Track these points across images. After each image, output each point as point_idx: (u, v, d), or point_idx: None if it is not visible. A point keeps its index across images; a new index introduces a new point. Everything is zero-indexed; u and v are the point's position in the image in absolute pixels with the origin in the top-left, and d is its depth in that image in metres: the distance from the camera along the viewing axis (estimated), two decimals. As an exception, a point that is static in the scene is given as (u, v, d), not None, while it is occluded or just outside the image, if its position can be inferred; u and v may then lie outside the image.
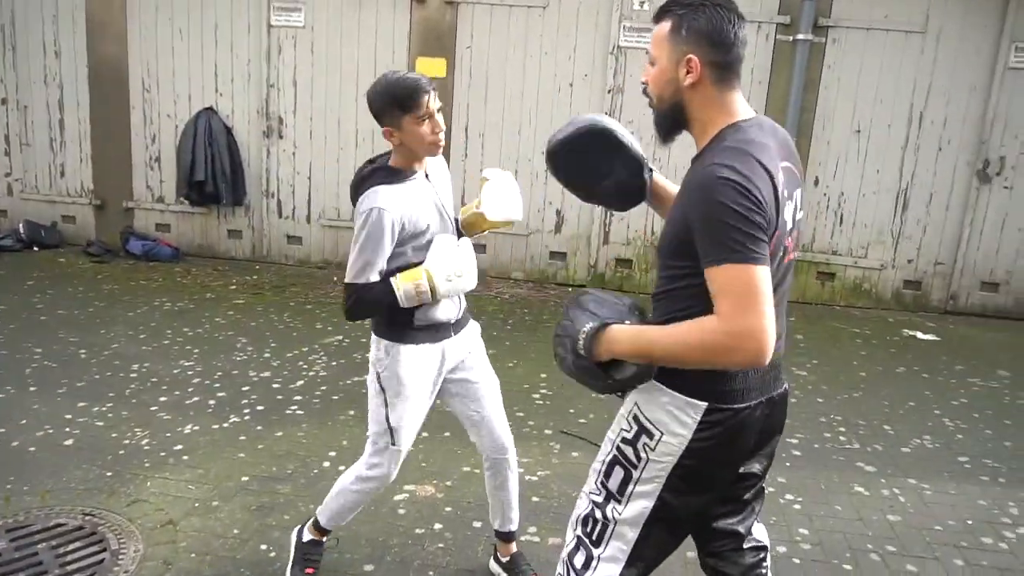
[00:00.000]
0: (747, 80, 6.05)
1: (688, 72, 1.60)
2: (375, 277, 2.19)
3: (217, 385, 4.18)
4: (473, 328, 2.49)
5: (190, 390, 4.11)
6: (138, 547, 2.75)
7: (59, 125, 7.11)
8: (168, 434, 3.60)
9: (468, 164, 6.52)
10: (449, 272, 2.21)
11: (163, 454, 3.42)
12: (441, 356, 2.35)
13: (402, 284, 2.19)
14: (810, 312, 6.13)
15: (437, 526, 2.93)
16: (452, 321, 2.35)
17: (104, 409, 3.82)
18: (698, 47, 1.59)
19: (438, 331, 2.32)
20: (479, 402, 2.45)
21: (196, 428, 3.67)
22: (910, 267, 6.33)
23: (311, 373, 4.42)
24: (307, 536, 2.58)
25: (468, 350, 2.44)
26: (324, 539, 2.60)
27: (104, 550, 2.74)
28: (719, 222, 1.46)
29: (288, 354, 4.70)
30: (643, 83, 1.72)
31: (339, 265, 6.83)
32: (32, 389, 4.01)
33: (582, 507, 1.80)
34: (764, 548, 1.89)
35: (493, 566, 2.68)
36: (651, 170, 1.99)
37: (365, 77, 6.53)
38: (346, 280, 2.22)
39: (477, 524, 2.95)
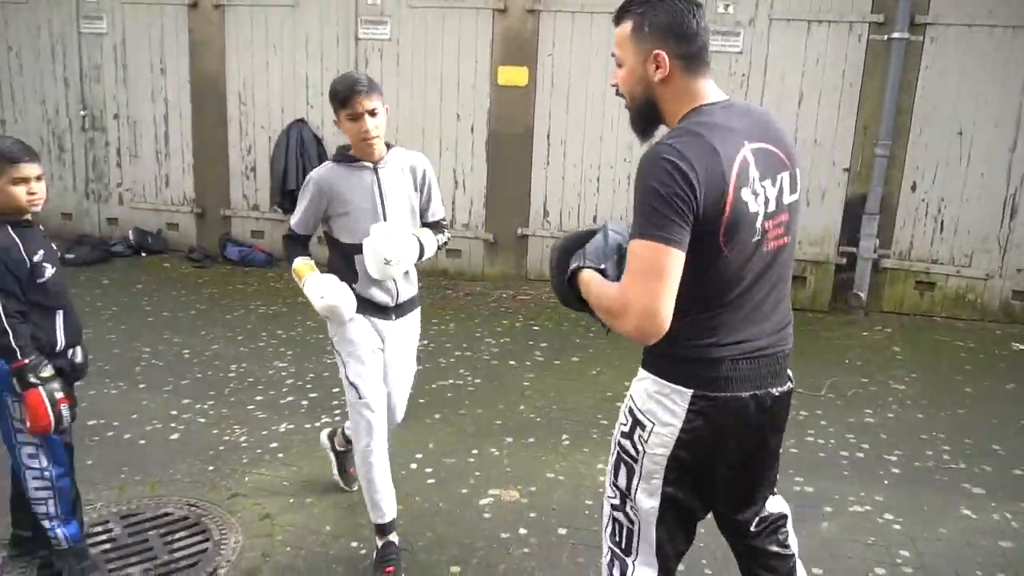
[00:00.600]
0: (837, 83, 5.86)
1: (657, 68, 1.63)
2: (300, 230, 2.71)
3: (309, 386, 4.34)
4: (417, 314, 2.87)
5: (284, 390, 4.28)
6: (238, 539, 2.89)
7: (164, 138, 7.54)
8: (264, 432, 3.76)
9: (550, 172, 6.56)
10: (320, 294, 2.55)
11: (259, 451, 3.58)
12: (378, 331, 2.70)
13: (299, 263, 2.66)
14: (908, 323, 5.87)
15: (522, 531, 2.96)
16: (390, 305, 2.71)
17: (205, 407, 4.03)
18: (663, 42, 1.62)
19: (377, 310, 2.68)
20: (403, 378, 2.86)
21: (290, 427, 3.82)
22: (1020, 276, 5.97)
23: (397, 376, 4.53)
24: (378, 542, 2.73)
25: (409, 332, 2.82)
26: (391, 538, 2.73)
27: (207, 540, 2.89)
28: (643, 201, 1.54)
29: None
30: (613, 85, 1.77)
31: (422, 271, 6.97)
32: (141, 386, 4.27)
33: (605, 513, 1.84)
34: (783, 516, 1.93)
35: (325, 440, 3.22)
36: None
37: (448, 87, 6.66)
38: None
39: (562, 531, 2.96)
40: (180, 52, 7.30)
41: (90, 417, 3.87)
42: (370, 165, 2.64)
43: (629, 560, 1.76)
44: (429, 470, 3.42)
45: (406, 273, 2.71)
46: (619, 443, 1.76)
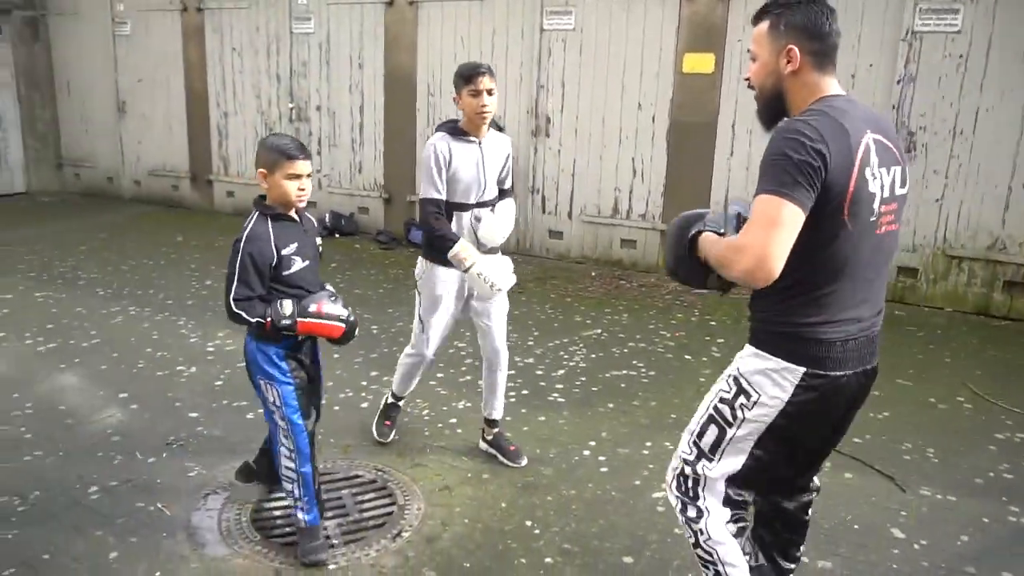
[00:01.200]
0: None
1: (788, 62, 1.79)
2: (439, 194, 3.11)
3: (486, 367, 4.49)
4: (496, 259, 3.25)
5: (463, 369, 4.46)
6: (420, 506, 3.06)
7: (359, 128, 8.10)
8: (445, 407, 3.95)
9: (734, 162, 6.31)
10: (491, 282, 3.08)
11: (440, 425, 3.76)
12: (461, 281, 3.21)
13: (461, 245, 3.07)
14: None
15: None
16: None
17: (392, 380, 4.28)
18: (797, 39, 1.78)
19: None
20: (490, 317, 3.33)
21: (468, 405, 3.98)
22: None
23: (571, 363, 4.58)
24: (389, 400, 3.57)
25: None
26: (399, 403, 3.57)
27: (393, 503, 3.08)
28: (770, 161, 1.67)
29: (550, 343, 4.92)
30: (746, 79, 1.93)
31: (597, 261, 6.99)
32: (335, 357, 4.61)
33: (672, 471, 1.99)
34: (817, 490, 2.13)
35: (482, 444, 3.48)
36: None
37: (631, 75, 6.59)
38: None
39: (740, 533, 2.85)
40: (376, 47, 7.79)
41: (293, 382, 4.26)
42: (476, 140, 3.16)
43: (699, 502, 1.94)
44: (602, 458, 3.43)
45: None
46: (715, 406, 1.88)
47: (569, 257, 7.18)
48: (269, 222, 2.56)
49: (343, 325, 2.59)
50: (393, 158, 7.95)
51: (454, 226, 3.16)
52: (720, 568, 1.94)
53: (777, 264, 1.64)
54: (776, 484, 2.07)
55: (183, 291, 6.04)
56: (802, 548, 2.20)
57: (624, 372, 4.45)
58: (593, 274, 6.65)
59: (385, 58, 7.76)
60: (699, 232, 1.91)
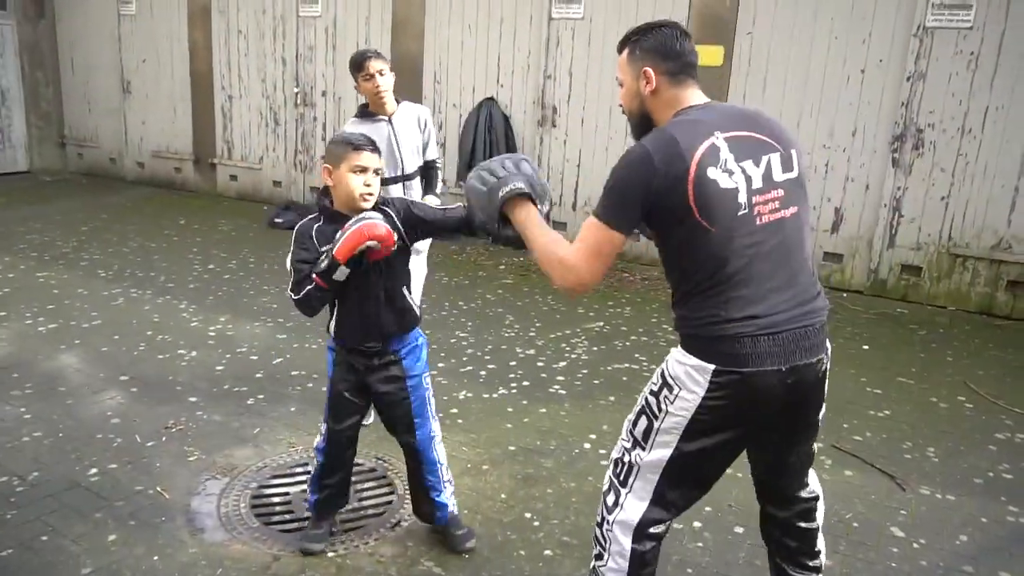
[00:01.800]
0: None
1: (647, 83, 1.91)
2: None
3: (487, 357, 4.49)
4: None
5: (464, 359, 4.46)
6: (420, 495, 3.05)
7: (364, 114, 8.05)
8: (445, 397, 3.94)
9: (739, 156, 6.27)
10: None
11: (440, 415, 3.72)
12: None
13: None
14: None
15: (696, 524, 2.88)
16: None
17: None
18: (651, 61, 1.91)
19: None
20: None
21: (469, 395, 3.97)
22: None
23: (573, 355, 4.57)
24: None
25: (416, 259, 3.48)
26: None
27: (392, 493, 3.08)
28: (606, 186, 1.83)
29: (552, 335, 4.91)
30: (620, 104, 2.05)
31: (599, 252, 6.96)
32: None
33: (616, 451, 2.03)
34: (817, 497, 2.10)
35: None
36: None
37: (639, 67, 6.54)
38: None
39: (739, 530, 2.85)
40: (383, 32, 7.74)
41: (292, 368, 4.26)
42: (385, 118, 3.44)
43: (623, 491, 1.96)
44: (603, 452, 3.42)
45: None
46: (646, 398, 1.94)
47: (572, 248, 7.14)
48: (320, 221, 2.44)
49: (374, 221, 2.29)
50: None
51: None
52: (606, 557, 1.99)
53: (592, 280, 1.85)
54: (766, 489, 2.10)
55: (185, 274, 6.03)
56: (820, 555, 2.15)
57: (626, 365, 4.45)
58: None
59: (392, 44, 7.71)
60: (515, 195, 1.97)
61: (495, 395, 3.98)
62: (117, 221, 7.81)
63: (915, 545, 2.82)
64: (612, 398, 3.98)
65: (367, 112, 3.48)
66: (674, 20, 2.01)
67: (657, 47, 1.91)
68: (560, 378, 4.24)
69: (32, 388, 3.88)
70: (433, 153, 3.71)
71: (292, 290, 2.43)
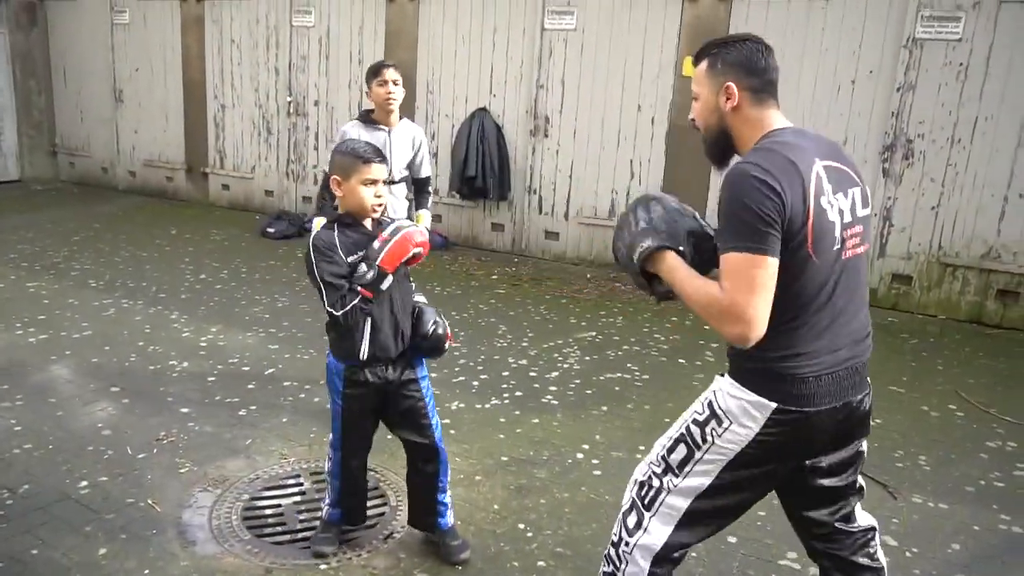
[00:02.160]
0: (1080, 74, 5.14)
1: (728, 99, 1.82)
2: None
3: (480, 368, 4.48)
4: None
5: (457, 369, 4.45)
6: (413, 507, 3.04)
7: (357, 123, 8.06)
8: (438, 408, 3.91)
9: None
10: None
11: (433, 425, 3.74)
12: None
13: (316, 221, 3.39)
14: None
15: (731, 540, 2.88)
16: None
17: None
18: (734, 76, 1.82)
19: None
20: None
21: (462, 406, 3.97)
22: None
23: (565, 365, 4.57)
24: None
25: None
26: None
27: (385, 504, 3.07)
28: (732, 214, 1.67)
29: (544, 345, 4.91)
30: (691, 119, 1.94)
31: (592, 263, 6.98)
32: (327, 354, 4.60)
33: (641, 473, 1.96)
34: (872, 529, 2.00)
35: None
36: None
37: (631, 77, 6.58)
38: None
39: (732, 539, 2.85)
40: (377, 43, 7.77)
41: (285, 378, 4.25)
42: (386, 129, 3.62)
43: (647, 515, 1.90)
44: (595, 462, 3.42)
45: (393, 207, 3.65)
46: (688, 427, 1.87)
47: (565, 258, 7.17)
48: (335, 229, 2.45)
49: (413, 228, 2.42)
50: (390, 154, 7.92)
51: None
52: None
53: (764, 325, 1.67)
54: (803, 524, 1.99)
55: (177, 285, 6.01)
56: None
57: (618, 375, 4.45)
58: (588, 276, 6.65)
59: (385, 54, 7.72)
60: (657, 248, 1.85)
61: (487, 405, 3.98)
62: (108, 230, 7.78)
63: (908, 554, 2.83)
64: (604, 408, 3.99)
65: (370, 119, 3.64)
66: (756, 34, 1.89)
67: (742, 61, 1.82)
68: (553, 388, 4.24)
69: (22, 399, 3.85)
70: (427, 171, 3.88)
71: (333, 306, 2.37)
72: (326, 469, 2.74)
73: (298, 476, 3.25)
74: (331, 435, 2.70)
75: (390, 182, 3.62)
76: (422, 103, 7.61)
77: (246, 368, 4.38)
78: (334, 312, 2.38)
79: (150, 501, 2.99)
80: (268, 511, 2.99)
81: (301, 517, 2.96)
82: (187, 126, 9.32)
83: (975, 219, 5.62)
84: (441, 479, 2.71)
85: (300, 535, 2.84)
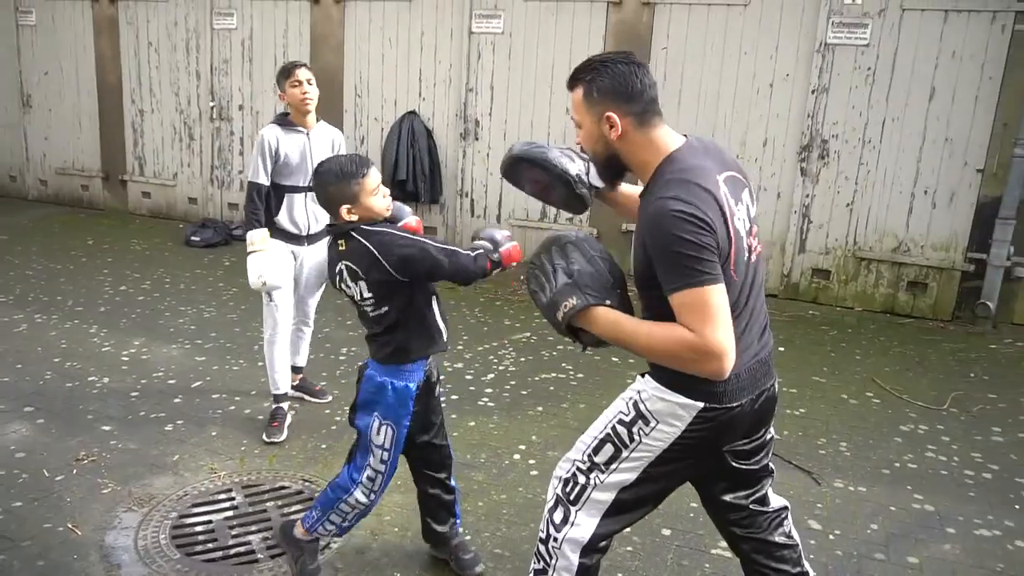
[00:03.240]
0: (975, 76, 5.48)
1: (611, 127, 1.78)
2: (262, 180, 3.52)
3: (415, 372, 4.45)
4: (323, 243, 3.62)
5: (392, 375, 4.41)
6: (349, 516, 3.00)
7: (283, 128, 7.89)
8: (373, 414, 3.89)
9: (657, 166, 6.45)
10: (259, 274, 3.42)
11: (369, 433, 3.70)
12: (293, 253, 3.65)
13: (258, 233, 3.48)
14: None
15: (626, 530, 2.93)
16: (303, 235, 3.64)
17: (318, 388, 4.20)
18: (613, 105, 1.77)
19: (291, 238, 3.62)
20: (312, 288, 3.82)
21: (397, 411, 3.93)
22: None
23: (501, 367, 4.59)
24: (272, 405, 3.73)
25: (317, 255, 3.68)
26: (282, 405, 3.73)
27: (321, 515, 3.02)
28: (673, 252, 1.65)
29: (479, 347, 4.92)
30: (578, 144, 1.92)
31: (525, 265, 7.02)
32: (260, 364, 4.49)
33: (564, 470, 1.97)
34: (784, 508, 2.08)
35: (290, 391, 3.84)
36: (592, 187, 2.03)
37: (559, 80, 6.66)
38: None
39: (666, 532, 2.92)
40: (302, 46, 7.63)
41: (213, 391, 4.13)
42: (304, 131, 3.56)
43: (573, 509, 1.93)
44: (532, 462, 3.45)
45: (315, 214, 3.62)
46: (614, 427, 1.89)
47: (498, 260, 7.18)
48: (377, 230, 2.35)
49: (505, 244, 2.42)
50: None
51: (285, 205, 3.57)
52: (551, 572, 1.96)
53: (732, 351, 1.67)
54: (721, 511, 2.05)
55: (95, 297, 5.76)
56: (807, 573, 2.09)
57: (553, 375, 4.50)
58: (522, 278, 6.68)
59: (311, 57, 7.60)
60: (584, 307, 1.83)
61: (424, 410, 3.95)
62: (18, 243, 7.39)
63: (831, 536, 2.95)
64: (540, 408, 4.02)
65: (287, 121, 3.57)
66: (626, 51, 1.86)
67: (617, 88, 1.76)
68: (488, 390, 4.25)
69: (-74, 423, 3.63)
70: None
71: (469, 265, 2.32)
72: (359, 500, 2.48)
73: (229, 490, 3.17)
74: (363, 472, 2.46)
75: (309, 189, 3.53)
76: (350, 106, 7.52)
77: (172, 382, 4.24)
78: (472, 268, 2.32)
79: (70, 525, 2.86)
80: (198, 528, 2.91)
81: (233, 532, 2.89)
82: (103, 132, 8.94)
83: (886, 215, 5.92)
84: (453, 480, 2.72)
85: (232, 551, 2.77)
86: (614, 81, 1.77)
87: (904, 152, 5.78)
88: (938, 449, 3.71)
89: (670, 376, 1.80)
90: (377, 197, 2.35)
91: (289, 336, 3.74)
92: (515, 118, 6.90)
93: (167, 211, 8.73)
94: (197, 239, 7.51)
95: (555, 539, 1.94)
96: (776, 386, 1.96)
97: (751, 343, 1.84)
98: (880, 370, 4.73)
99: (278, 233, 3.57)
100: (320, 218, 3.61)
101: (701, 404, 1.78)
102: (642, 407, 1.85)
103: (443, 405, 2.70)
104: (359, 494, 2.47)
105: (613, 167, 1.89)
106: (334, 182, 2.31)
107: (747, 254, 1.78)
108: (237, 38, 7.92)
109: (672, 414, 1.81)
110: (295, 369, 3.95)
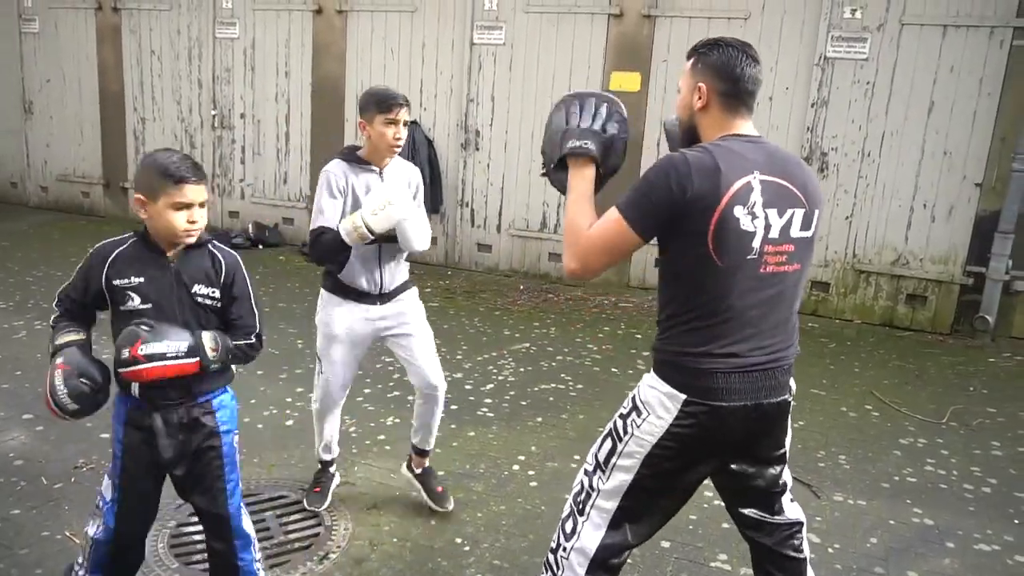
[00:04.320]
0: (973, 91, 5.52)
1: (699, 98, 1.90)
2: (329, 223, 2.78)
3: (415, 382, 4.45)
4: (409, 295, 3.05)
5: (391, 384, 4.41)
6: (348, 526, 3.00)
7: (285, 137, 7.93)
8: (372, 424, 3.89)
9: (657, 178, 6.47)
10: (374, 207, 2.65)
11: (368, 442, 3.70)
12: (365, 315, 2.95)
13: (341, 225, 2.73)
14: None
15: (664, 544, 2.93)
16: (375, 293, 2.94)
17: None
18: (709, 78, 1.88)
19: (363, 297, 2.93)
20: (411, 351, 3.02)
21: (397, 421, 3.93)
22: None
23: (500, 377, 4.59)
24: (320, 466, 3.22)
25: (401, 313, 3.00)
26: (328, 468, 3.22)
27: (319, 524, 3.01)
28: (639, 181, 1.81)
29: (479, 357, 4.92)
30: (676, 111, 2.03)
31: (526, 274, 7.03)
32: (259, 373, 4.49)
33: (579, 475, 2.03)
34: (798, 523, 2.07)
35: (405, 471, 3.26)
36: None
37: (560, 91, 6.68)
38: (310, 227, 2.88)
39: (665, 544, 2.92)
40: (304, 55, 7.66)
41: (214, 399, 4.12)
42: (376, 169, 2.89)
43: (580, 520, 1.96)
44: (531, 473, 3.45)
45: (391, 267, 2.96)
46: (614, 421, 1.96)
47: (498, 271, 7.21)
48: (113, 248, 2.08)
49: (157, 365, 1.97)
50: (320, 168, 7.77)
51: (354, 257, 2.84)
52: None
53: (592, 273, 1.88)
54: (737, 517, 2.05)
55: (95, 304, 5.75)
56: None
57: (552, 386, 4.50)
58: (521, 287, 6.70)
59: (313, 66, 7.64)
60: (579, 155, 1.96)
61: (423, 420, 3.95)
62: (19, 248, 7.40)
63: (830, 550, 2.95)
64: (540, 419, 4.02)
65: (356, 157, 2.88)
66: (748, 42, 1.92)
67: (719, 66, 1.87)
68: (488, 400, 4.25)
69: (-76, 430, 3.62)
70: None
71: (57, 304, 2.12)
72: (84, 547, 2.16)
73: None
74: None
75: (386, 238, 2.81)
76: (352, 116, 7.54)
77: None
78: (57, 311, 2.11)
79: (67, 533, 2.86)
80: (197, 537, 2.89)
81: (231, 542, 2.87)
82: (104, 139, 8.97)
83: (885, 228, 5.93)
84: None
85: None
86: (720, 59, 1.88)
87: (903, 166, 5.80)
88: (937, 463, 3.71)
89: (661, 366, 1.89)
90: (178, 215, 2.00)
91: (340, 408, 3.17)
92: (516, 129, 6.92)
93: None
94: (197, 247, 7.51)
95: (564, 548, 1.96)
96: (788, 403, 1.94)
97: (748, 351, 1.83)
98: (879, 383, 4.73)
99: (345, 292, 2.92)
100: (397, 273, 2.99)
101: (684, 396, 1.82)
102: (637, 399, 1.91)
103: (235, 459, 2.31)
104: (88, 527, 2.20)
105: (689, 139, 1.96)
106: (153, 163, 2.02)
107: (753, 255, 1.79)
108: (239, 47, 7.96)
109: (660, 404, 1.85)
110: (418, 451, 3.22)
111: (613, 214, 1.82)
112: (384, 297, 2.97)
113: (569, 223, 1.91)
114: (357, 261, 2.88)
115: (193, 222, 2.04)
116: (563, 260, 1.91)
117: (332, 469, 3.23)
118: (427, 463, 3.23)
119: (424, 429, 3.16)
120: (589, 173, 1.96)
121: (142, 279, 2.06)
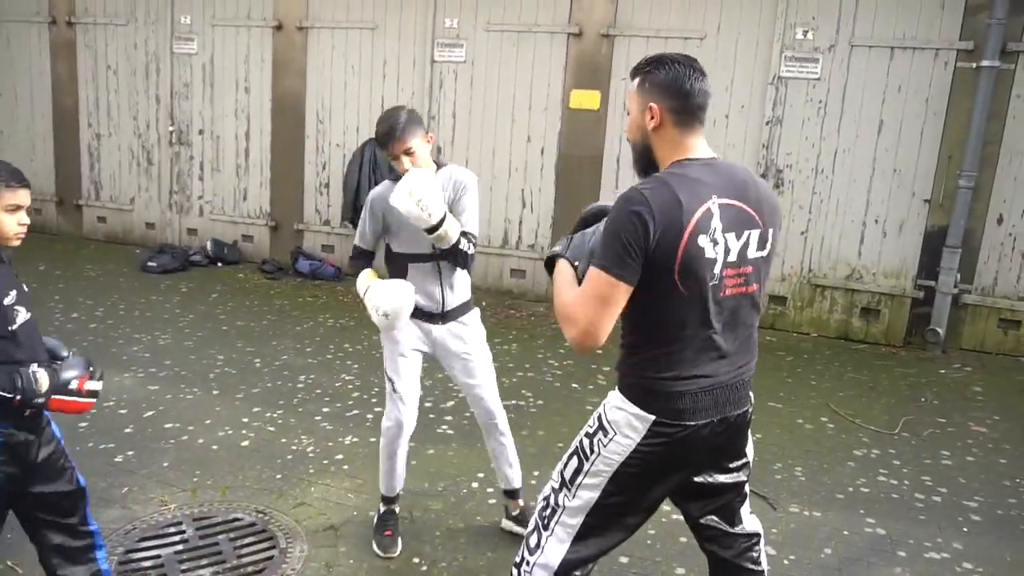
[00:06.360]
0: (920, 110, 5.69)
1: (651, 118, 1.87)
2: (363, 244, 2.95)
3: (374, 400, 4.42)
4: (471, 318, 3.00)
5: (350, 403, 4.37)
6: (303, 547, 2.95)
7: (244, 153, 7.84)
8: (330, 443, 3.84)
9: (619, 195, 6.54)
10: (375, 305, 2.75)
11: (325, 462, 3.65)
12: (426, 333, 2.94)
13: (361, 277, 2.87)
14: (990, 363, 5.61)
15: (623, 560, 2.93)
16: (436, 312, 2.91)
17: (275, 415, 4.15)
18: (659, 97, 1.86)
19: (424, 316, 2.90)
20: (474, 377, 2.99)
21: (355, 440, 3.89)
22: (1113, 317, 5.64)
23: (461, 394, 4.56)
24: (382, 508, 3.05)
25: (460, 335, 2.95)
26: (394, 507, 3.05)
27: (274, 547, 2.96)
28: (607, 235, 1.79)
29: (439, 374, 4.86)
30: (626, 133, 2.03)
31: (487, 291, 7.03)
32: (215, 393, 4.42)
33: (544, 491, 2.04)
34: (756, 535, 2.10)
35: (506, 523, 3.11)
36: None
37: (520, 109, 6.74)
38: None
39: (624, 560, 2.92)
40: (264, 71, 7.61)
41: (166, 420, 4.03)
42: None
43: (545, 535, 1.97)
44: (490, 490, 3.43)
45: (451, 285, 2.92)
46: (580, 440, 1.96)
47: (461, 286, 7.18)
48: None
49: (93, 401, 2.18)
50: (280, 185, 7.74)
51: (411, 277, 2.84)
52: None
53: (601, 337, 1.80)
54: (694, 527, 2.07)
55: (45, 325, 5.58)
56: None
57: (513, 401, 4.49)
58: (483, 304, 6.67)
59: (273, 83, 7.59)
60: (558, 256, 2.01)
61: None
62: (-33, 268, 7.18)
63: (785, 561, 2.98)
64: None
65: (398, 176, 2.78)
66: (691, 56, 1.91)
67: (668, 83, 1.86)
68: (448, 418, 4.23)
69: None
70: (469, 226, 2.86)
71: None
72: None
73: (180, 523, 3.09)
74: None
75: (439, 254, 2.83)
76: (312, 132, 7.50)
77: (123, 411, 4.13)
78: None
79: (10, 563, 2.76)
80: (147, 563, 2.83)
81: (183, 567, 2.81)
82: (57, 156, 8.77)
83: (839, 243, 6.07)
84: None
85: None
86: (667, 76, 1.86)
87: (855, 182, 5.95)
88: (890, 473, 3.79)
89: (630, 388, 1.88)
90: (10, 215, 2.20)
91: (410, 435, 3.01)
92: (477, 145, 6.95)
93: (123, 236, 8.57)
94: (153, 265, 7.38)
95: (527, 563, 1.97)
96: (748, 413, 1.97)
97: (713, 370, 1.86)
98: (834, 395, 4.82)
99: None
100: (457, 289, 2.94)
101: (653, 417, 1.83)
102: (604, 418, 1.91)
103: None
104: None
105: (644, 159, 1.95)
106: None
107: (714, 281, 1.80)
108: (198, 62, 7.87)
109: (628, 424, 1.85)
110: (508, 493, 3.13)
111: (594, 272, 1.79)
112: (444, 316, 2.93)
113: (560, 306, 1.88)
114: (418, 278, 2.86)
115: (23, 224, 2.20)
116: (567, 337, 1.84)
117: (397, 508, 3.06)
118: (522, 502, 3.10)
119: (501, 463, 3.08)
120: (564, 265, 1.98)
121: (16, 291, 2.16)
